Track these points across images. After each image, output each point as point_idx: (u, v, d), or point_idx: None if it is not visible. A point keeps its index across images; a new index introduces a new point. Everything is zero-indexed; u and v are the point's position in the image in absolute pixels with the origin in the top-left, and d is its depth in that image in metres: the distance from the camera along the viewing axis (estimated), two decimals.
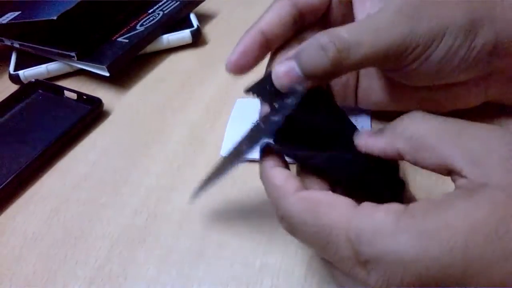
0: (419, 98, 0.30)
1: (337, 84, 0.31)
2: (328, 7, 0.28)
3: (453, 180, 0.19)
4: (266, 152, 0.24)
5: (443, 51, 0.24)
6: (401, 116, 0.22)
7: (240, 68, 0.27)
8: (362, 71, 0.31)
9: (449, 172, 0.19)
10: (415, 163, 0.21)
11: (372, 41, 0.23)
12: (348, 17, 0.28)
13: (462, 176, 0.18)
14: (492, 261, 0.16)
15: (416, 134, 0.20)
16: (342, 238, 0.19)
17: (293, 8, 0.27)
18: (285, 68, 0.24)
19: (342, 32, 0.23)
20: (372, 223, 0.18)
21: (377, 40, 0.23)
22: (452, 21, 0.24)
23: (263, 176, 0.23)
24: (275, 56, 0.28)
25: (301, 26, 0.28)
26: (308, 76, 0.23)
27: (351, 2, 0.28)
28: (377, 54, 0.23)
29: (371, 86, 0.31)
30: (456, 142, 0.19)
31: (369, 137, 0.23)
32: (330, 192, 0.21)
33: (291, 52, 0.25)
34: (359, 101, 0.32)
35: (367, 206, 0.19)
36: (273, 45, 0.27)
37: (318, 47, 0.23)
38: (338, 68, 0.23)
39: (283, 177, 0.22)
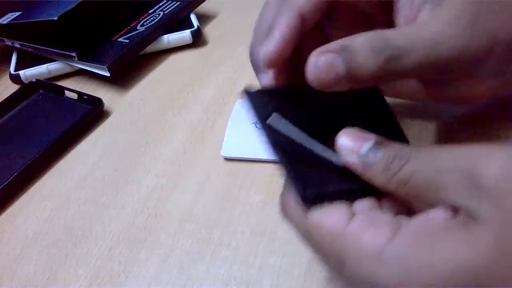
0: (437, 93, 0.28)
1: None
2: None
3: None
4: None
5: (496, 65, 0.24)
6: (388, 151, 0.20)
7: (280, 61, 0.23)
8: None
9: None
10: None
11: (427, 50, 0.22)
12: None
13: (456, 208, 0.18)
14: None
15: (409, 179, 0.19)
16: (330, 254, 0.19)
17: None
18: (327, 59, 0.21)
19: (395, 37, 0.22)
20: (357, 250, 0.18)
21: (433, 50, 0.22)
22: (501, 36, 0.23)
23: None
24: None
25: (324, 12, 0.26)
26: (351, 77, 0.21)
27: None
28: (431, 65, 0.22)
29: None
30: (449, 178, 0.18)
31: (361, 166, 0.21)
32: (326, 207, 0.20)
33: (328, 45, 0.22)
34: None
35: (358, 225, 0.19)
36: (306, 29, 0.24)
37: (368, 49, 0.21)
38: (385, 74, 0.22)
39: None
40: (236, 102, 0.39)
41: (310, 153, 0.22)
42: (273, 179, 0.33)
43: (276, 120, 0.22)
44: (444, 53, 0.22)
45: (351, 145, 0.21)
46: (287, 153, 0.21)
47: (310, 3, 0.24)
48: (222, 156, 0.35)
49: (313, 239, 0.20)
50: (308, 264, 0.27)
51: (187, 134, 0.38)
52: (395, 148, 0.20)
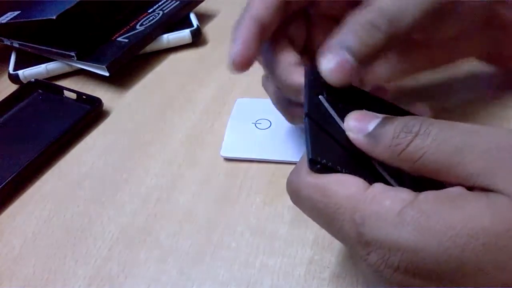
0: (420, 58, 0.29)
1: None
2: None
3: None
4: None
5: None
6: (395, 124, 0.20)
7: (246, 62, 0.25)
8: None
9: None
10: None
11: (418, 3, 0.23)
12: (334, 4, 0.28)
13: (476, 182, 0.18)
14: (485, 268, 0.17)
15: (420, 157, 0.19)
16: (347, 217, 0.19)
17: None
18: (335, 61, 0.22)
19: (385, 4, 0.23)
20: (378, 210, 0.18)
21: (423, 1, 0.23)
22: None
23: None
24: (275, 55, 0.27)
25: (285, 13, 0.27)
26: (363, 59, 0.22)
27: None
28: (426, 14, 0.23)
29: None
30: (471, 158, 0.18)
31: (367, 143, 0.20)
32: (341, 174, 0.20)
33: (328, 44, 0.23)
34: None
35: (378, 189, 0.19)
36: (267, 33, 0.26)
37: (368, 25, 0.22)
38: (391, 40, 0.23)
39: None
40: (236, 102, 0.38)
41: (346, 138, 0.21)
42: (273, 179, 0.33)
43: (325, 100, 0.22)
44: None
45: (359, 125, 0.21)
46: (318, 126, 0.21)
47: (264, 9, 0.25)
48: (222, 156, 0.35)
49: (328, 203, 0.19)
50: (308, 265, 0.27)
51: (186, 134, 0.38)
52: (402, 121, 0.20)
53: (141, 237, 0.31)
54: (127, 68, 0.45)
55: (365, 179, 0.20)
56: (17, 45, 0.47)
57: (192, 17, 0.49)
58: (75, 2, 0.43)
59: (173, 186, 0.34)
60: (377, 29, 0.22)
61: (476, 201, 0.17)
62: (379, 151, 0.20)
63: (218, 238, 0.30)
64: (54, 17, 0.41)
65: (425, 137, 0.19)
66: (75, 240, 0.31)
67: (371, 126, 0.20)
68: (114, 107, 0.42)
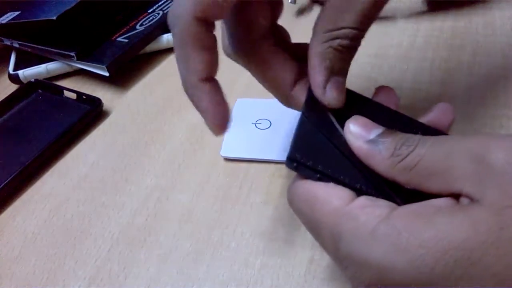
0: None
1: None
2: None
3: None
4: None
5: None
6: (397, 138, 0.20)
7: (224, 124, 0.24)
8: None
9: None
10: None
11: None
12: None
13: (464, 188, 0.18)
14: (457, 284, 0.16)
15: (416, 164, 0.19)
16: (327, 232, 0.20)
17: (197, 22, 0.23)
18: (333, 87, 0.22)
19: (331, 22, 0.22)
20: (353, 226, 0.19)
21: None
22: None
23: None
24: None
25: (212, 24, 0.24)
26: (346, 69, 0.23)
27: None
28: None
29: None
30: (457, 161, 0.18)
31: (366, 150, 0.21)
32: (331, 184, 0.21)
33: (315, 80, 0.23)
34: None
35: (358, 204, 0.19)
36: (214, 71, 0.25)
37: (324, 49, 0.22)
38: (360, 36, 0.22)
39: None
40: (236, 102, 0.38)
41: (342, 142, 0.22)
42: (273, 179, 0.33)
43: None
44: None
45: (360, 131, 0.21)
46: (313, 126, 0.22)
47: (199, 59, 0.24)
48: (221, 156, 0.35)
49: (313, 217, 0.20)
50: (308, 265, 0.27)
51: (186, 134, 0.38)
52: (404, 136, 0.20)
53: (141, 237, 0.31)
54: (127, 68, 0.45)
55: (354, 185, 0.20)
56: (17, 45, 0.47)
57: None
58: (75, 2, 0.43)
59: (173, 186, 0.34)
60: (333, 43, 0.22)
61: (451, 216, 0.17)
62: (378, 160, 0.20)
63: (218, 238, 0.30)
64: (55, 18, 0.41)
65: (422, 146, 0.19)
66: (75, 240, 0.31)
67: (372, 135, 0.21)
68: (114, 107, 0.42)
